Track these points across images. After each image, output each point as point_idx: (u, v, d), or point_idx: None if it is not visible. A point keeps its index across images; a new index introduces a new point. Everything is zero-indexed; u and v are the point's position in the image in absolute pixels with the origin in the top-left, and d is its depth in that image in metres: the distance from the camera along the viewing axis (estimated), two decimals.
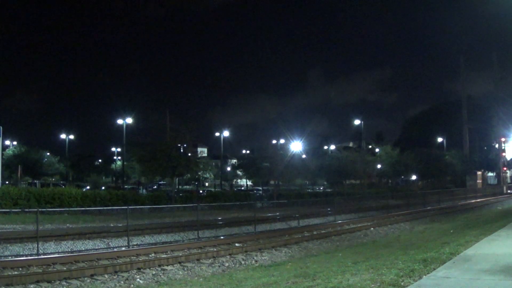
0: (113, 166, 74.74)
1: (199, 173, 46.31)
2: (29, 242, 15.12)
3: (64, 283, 10.47)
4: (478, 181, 71.77)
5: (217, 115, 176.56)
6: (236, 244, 16.29)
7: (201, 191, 52.18)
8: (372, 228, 22.28)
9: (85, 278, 10.88)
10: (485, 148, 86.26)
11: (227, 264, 13.44)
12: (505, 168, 76.38)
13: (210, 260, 13.63)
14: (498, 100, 78.20)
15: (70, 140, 62.59)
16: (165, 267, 12.46)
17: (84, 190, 36.86)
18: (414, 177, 69.63)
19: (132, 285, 10.82)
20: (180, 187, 56.85)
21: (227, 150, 77.76)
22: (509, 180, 78.23)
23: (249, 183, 71.12)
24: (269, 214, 26.97)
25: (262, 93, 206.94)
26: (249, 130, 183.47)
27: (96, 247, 15.39)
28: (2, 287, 9.79)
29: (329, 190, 55.69)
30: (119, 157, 66.71)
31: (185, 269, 12.56)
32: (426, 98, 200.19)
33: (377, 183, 71.98)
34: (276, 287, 8.38)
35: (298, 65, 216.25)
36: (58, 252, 14.37)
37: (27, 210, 22.27)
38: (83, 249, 15.06)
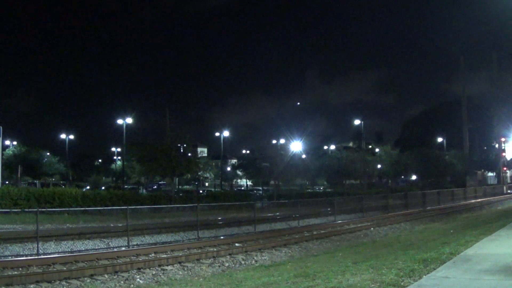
0: (113, 166, 74.73)
1: (199, 173, 46.28)
2: (29, 242, 15.13)
3: (64, 283, 10.47)
4: (478, 181, 71.83)
5: (217, 115, 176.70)
6: (236, 244, 16.29)
7: (201, 191, 52.17)
8: (372, 228, 22.28)
9: (85, 278, 10.88)
10: (485, 148, 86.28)
11: (227, 264, 13.44)
12: (505, 168, 76.37)
13: (210, 260, 13.63)
14: (498, 100, 78.18)
15: (70, 140, 62.59)
16: (165, 267, 12.46)
17: (84, 190, 36.84)
18: (414, 177, 69.62)
19: (132, 285, 10.82)
20: (180, 187, 56.90)
21: (227, 150, 77.79)
22: (509, 180, 78.23)
23: (249, 183, 71.12)
24: (269, 214, 26.98)
25: (262, 93, 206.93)
26: (249, 130, 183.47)
27: (96, 247, 15.39)
28: (2, 287, 9.79)
29: (329, 190, 55.65)
30: (119, 157, 66.69)
31: (185, 269, 12.55)
32: (424, 98, 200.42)
33: (377, 183, 71.99)
34: (276, 287, 8.38)
35: (297, 65, 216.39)
36: (58, 252, 14.37)
37: (27, 210, 22.24)
38: (83, 249, 15.07)
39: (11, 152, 54.69)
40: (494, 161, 78.54)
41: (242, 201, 33.62)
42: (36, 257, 12.87)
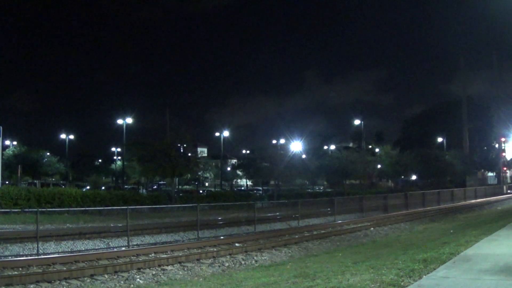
0: (113, 166, 74.72)
1: (199, 173, 46.31)
2: (29, 242, 15.12)
3: (64, 283, 10.47)
4: (478, 181, 71.87)
5: (217, 115, 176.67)
6: (236, 244, 16.29)
7: (201, 191, 52.16)
8: (372, 228, 22.28)
9: (85, 278, 10.88)
10: (485, 148, 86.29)
11: (227, 264, 13.44)
12: (505, 168, 76.45)
13: (210, 260, 13.63)
14: (498, 100, 78.31)
15: (70, 140, 62.52)
16: (165, 267, 12.46)
17: (84, 190, 36.82)
18: (414, 177, 69.61)
19: (132, 285, 10.82)
20: (180, 187, 56.81)
21: (227, 150, 77.77)
22: (509, 180, 78.27)
23: (249, 183, 71.10)
24: (269, 214, 26.97)
25: (261, 93, 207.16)
26: (249, 130, 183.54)
27: (96, 247, 15.39)
28: (2, 287, 9.79)
29: (329, 190, 55.64)
30: (119, 157, 66.68)
31: (185, 269, 12.55)
32: (424, 98, 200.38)
33: (377, 183, 71.95)
34: (276, 287, 8.38)
35: (296, 66, 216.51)
36: (58, 252, 14.37)
37: (27, 210, 22.23)
38: (83, 249, 15.06)
39: (11, 152, 54.68)
40: (494, 161, 78.58)
41: (242, 201, 33.59)
42: (36, 257, 12.86)
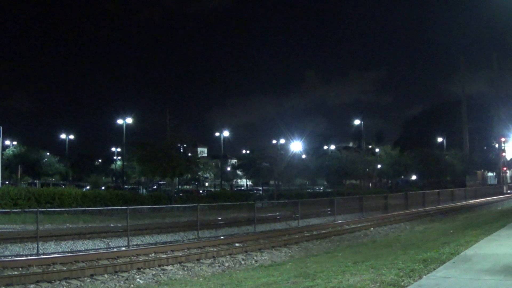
0: (113, 166, 74.78)
1: (199, 173, 46.27)
2: (29, 242, 15.12)
3: (64, 283, 10.47)
4: (478, 181, 71.90)
5: (217, 115, 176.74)
6: (236, 244, 16.29)
7: (201, 191, 52.20)
8: (372, 228, 22.28)
9: (85, 278, 10.88)
10: (485, 148, 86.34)
11: (227, 264, 13.44)
12: (505, 168, 76.43)
13: (210, 260, 13.63)
14: (498, 100, 78.35)
15: (70, 140, 62.58)
16: (165, 267, 12.46)
17: (84, 190, 36.82)
18: (414, 177, 69.63)
19: (132, 285, 10.82)
20: (180, 187, 56.87)
21: (227, 150, 77.79)
22: (509, 180, 78.25)
23: (249, 183, 71.12)
24: (269, 214, 26.97)
25: (261, 94, 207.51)
26: (249, 130, 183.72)
27: (96, 247, 15.39)
28: (2, 287, 9.79)
29: (329, 190, 55.63)
30: (119, 157, 66.71)
31: (185, 269, 12.55)
32: (424, 98, 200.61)
33: (377, 183, 71.95)
34: (276, 287, 8.38)
35: (296, 66, 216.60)
36: (58, 252, 14.37)
37: (27, 210, 22.23)
38: (83, 249, 15.06)
39: (11, 152, 54.71)
40: (494, 161, 78.58)
41: (242, 201, 33.58)
42: (36, 257, 12.86)
